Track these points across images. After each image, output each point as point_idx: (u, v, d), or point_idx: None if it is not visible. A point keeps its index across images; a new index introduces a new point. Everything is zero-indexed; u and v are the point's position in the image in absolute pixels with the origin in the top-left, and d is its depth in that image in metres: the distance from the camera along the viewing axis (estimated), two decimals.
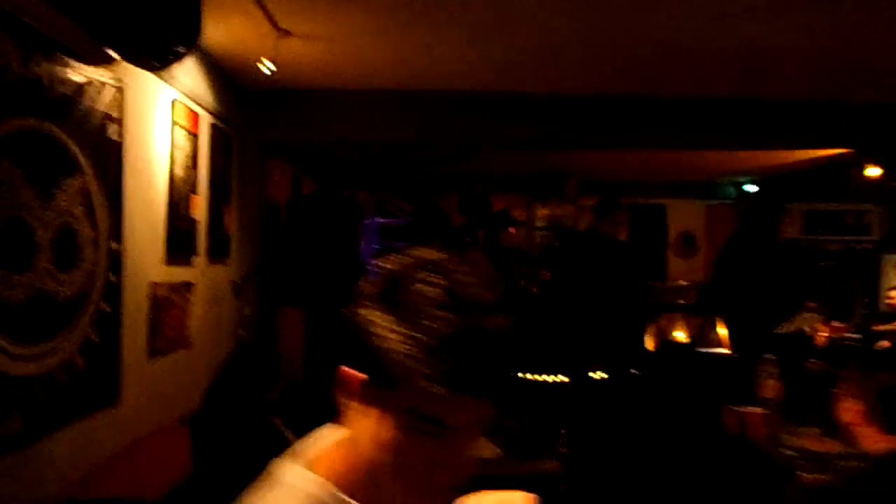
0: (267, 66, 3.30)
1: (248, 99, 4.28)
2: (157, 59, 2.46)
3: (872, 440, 1.88)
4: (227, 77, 3.88)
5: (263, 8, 2.98)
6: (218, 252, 3.86)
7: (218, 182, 3.84)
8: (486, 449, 2.59)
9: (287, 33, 3.28)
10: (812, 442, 2.79)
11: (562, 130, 4.78)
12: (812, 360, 4.65)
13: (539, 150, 6.04)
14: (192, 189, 3.46)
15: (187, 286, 3.41)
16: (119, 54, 2.41)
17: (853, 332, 7.39)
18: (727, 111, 4.90)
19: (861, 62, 3.91)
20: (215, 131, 3.78)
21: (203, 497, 2.19)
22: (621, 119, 4.70)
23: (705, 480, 2.33)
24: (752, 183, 8.26)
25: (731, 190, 8.55)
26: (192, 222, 3.45)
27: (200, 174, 3.59)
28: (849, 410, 1.92)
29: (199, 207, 3.55)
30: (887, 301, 7.46)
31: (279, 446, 3.03)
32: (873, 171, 5.96)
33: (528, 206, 7.83)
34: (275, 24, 3.17)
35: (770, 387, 2.94)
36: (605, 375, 3.77)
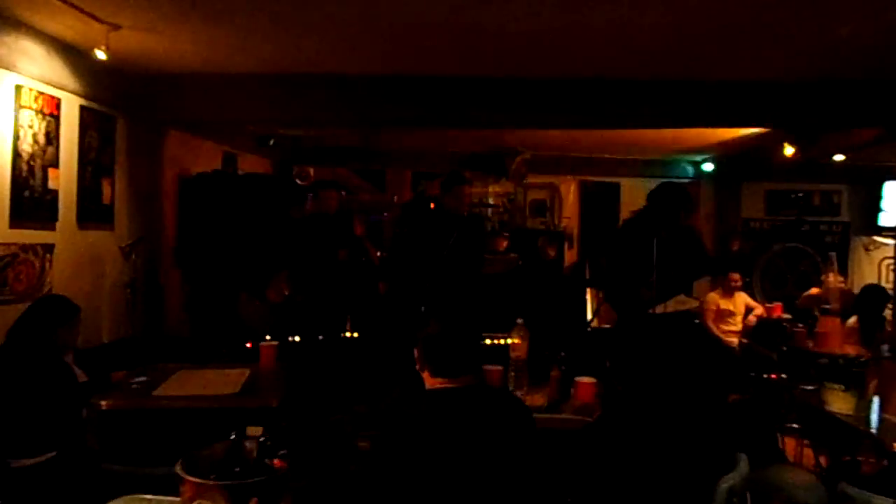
0: (99, 55, 3.75)
1: (139, 83, 4.79)
2: None
3: (428, 383, 2.18)
4: (100, 63, 4.36)
5: (76, 7, 3.44)
6: (93, 219, 4.40)
7: (91, 157, 4.37)
8: None
9: (116, 26, 3.73)
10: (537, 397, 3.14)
11: (432, 110, 5.04)
12: None
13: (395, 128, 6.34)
14: (52, 163, 3.99)
15: (46, 247, 3.95)
16: None
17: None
18: (607, 91, 5.11)
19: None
20: (87, 112, 4.30)
21: None
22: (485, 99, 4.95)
23: None
24: (710, 161, 8.18)
25: (689, 168, 8.49)
26: (50, 192, 3.98)
27: (65, 150, 4.11)
28: (417, 360, 2.21)
29: (62, 179, 4.08)
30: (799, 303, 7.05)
31: (67, 380, 3.56)
32: (789, 150, 5.90)
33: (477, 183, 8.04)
34: (97, 19, 3.62)
35: (517, 347, 3.23)
36: None
